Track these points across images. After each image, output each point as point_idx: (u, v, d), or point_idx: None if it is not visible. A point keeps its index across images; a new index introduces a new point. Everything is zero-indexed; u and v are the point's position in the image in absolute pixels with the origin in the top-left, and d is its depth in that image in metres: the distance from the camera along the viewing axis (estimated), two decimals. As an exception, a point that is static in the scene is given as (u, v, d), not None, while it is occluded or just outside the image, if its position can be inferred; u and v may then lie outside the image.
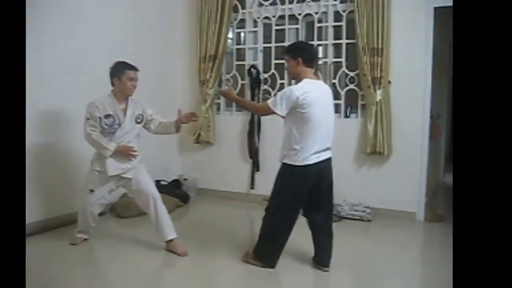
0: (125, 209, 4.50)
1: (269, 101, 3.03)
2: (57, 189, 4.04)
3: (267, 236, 3.19)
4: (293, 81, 3.30)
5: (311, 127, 2.95)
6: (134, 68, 3.40)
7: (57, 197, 4.04)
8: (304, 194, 3.09)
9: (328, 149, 3.11)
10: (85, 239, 3.65)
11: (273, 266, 3.19)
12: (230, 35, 5.41)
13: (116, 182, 3.50)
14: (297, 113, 2.94)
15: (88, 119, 3.34)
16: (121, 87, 3.37)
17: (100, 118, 3.34)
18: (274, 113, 3.00)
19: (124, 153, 3.40)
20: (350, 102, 4.83)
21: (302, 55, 3.05)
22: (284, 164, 3.09)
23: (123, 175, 3.45)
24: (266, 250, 3.20)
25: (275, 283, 3.09)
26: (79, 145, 3.66)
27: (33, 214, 3.72)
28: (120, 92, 3.39)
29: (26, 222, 3.63)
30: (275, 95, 3.22)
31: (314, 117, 2.94)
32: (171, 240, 3.46)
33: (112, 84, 3.40)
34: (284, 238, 3.16)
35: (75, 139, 3.84)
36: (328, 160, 3.13)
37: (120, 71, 3.35)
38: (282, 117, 3.02)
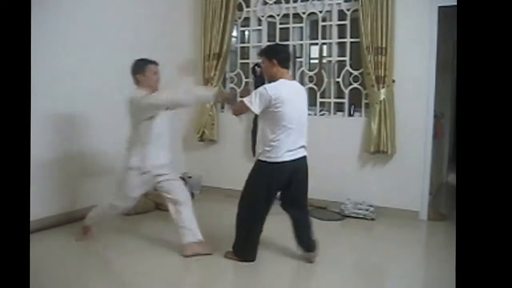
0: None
1: (245, 99, 3.10)
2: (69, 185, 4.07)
3: (242, 231, 3.27)
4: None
5: (284, 125, 3.03)
6: (155, 63, 3.44)
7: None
8: (275, 190, 3.21)
9: (302, 147, 3.18)
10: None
11: (252, 259, 3.27)
12: (234, 33, 5.43)
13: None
14: (270, 111, 3.03)
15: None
16: (147, 81, 3.36)
17: None
18: (249, 110, 3.08)
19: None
20: (354, 101, 4.84)
21: (278, 56, 3.15)
22: (258, 160, 3.18)
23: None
24: (243, 245, 3.29)
25: (279, 277, 3.11)
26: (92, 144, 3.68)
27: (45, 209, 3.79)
28: (148, 86, 3.35)
29: (39, 217, 3.73)
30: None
31: (287, 116, 3.02)
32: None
33: (136, 81, 3.40)
34: (258, 231, 3.27)
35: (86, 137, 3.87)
36: (303, 158, 3.20)
37: (143, 67, 3.37)
38: (256, 115, 3.12)
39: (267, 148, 3.08)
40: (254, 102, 3.02)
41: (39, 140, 3.67)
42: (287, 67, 3.21)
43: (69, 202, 4.15)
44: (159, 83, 3.42)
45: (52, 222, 3.94)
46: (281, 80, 3.11)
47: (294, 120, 3.06)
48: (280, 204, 3.36)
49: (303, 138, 3.18)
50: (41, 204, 3.78)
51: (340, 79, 4.83)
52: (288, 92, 3.06)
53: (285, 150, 3.06)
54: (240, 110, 3.20)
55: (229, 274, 3.25)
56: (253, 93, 3.09)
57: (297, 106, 3.13)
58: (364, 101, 4.71)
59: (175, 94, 3.25)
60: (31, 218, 3.66)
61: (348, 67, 4.79)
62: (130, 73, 3.40)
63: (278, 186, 3.18)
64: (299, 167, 3.18)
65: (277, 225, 3.41)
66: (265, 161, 3.11)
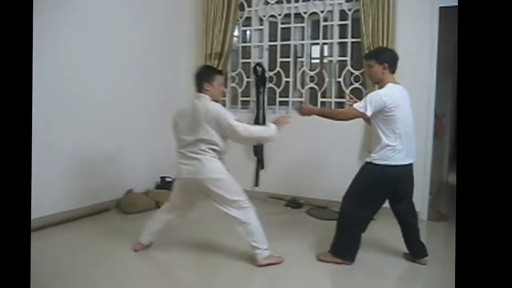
0: (130, 205, 4.53)
1: (356, 105, 3.13)
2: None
3: (348, 232, 3.29)
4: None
5: (397, 128, 3.08)
6: (222, 73, 3.39)
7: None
8: (387, 193, 3.26)
9: (411, 151, 3.22)
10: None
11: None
12: (236, 33, 5.44)
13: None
14: (383, 116, 3.08)
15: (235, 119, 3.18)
16: (213, 92, 3.24)
17: None
18: (361, 116, 3.12)
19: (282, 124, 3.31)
20: (354, 101, 4.84)
21: (388, 60, 3.19)
22: (372, 163, 3.19)
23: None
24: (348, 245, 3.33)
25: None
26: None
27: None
28: (212, 97, 3.23)
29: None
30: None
31: (399, 120, 3.08)
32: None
33: (201, 89, 3.23)
34: (361, 232, 3.32)
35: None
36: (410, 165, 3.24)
37: (212, 77, 3.25)
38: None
39: (383, 151, 3.12)
40: (367, 107, 3.05)
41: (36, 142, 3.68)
42: (394, 72, 3.25)
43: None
44: (222, 94, 3.38)
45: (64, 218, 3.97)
46: (390, 85, 3.15)
47: (405, 125, 3.12)
48: (391, 207, 3.39)
49: (413, 143, 3.23)
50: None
51: (341, 79, 4.85)
52: (399, 97, 3.12)
53: (402, 154, 3.12)
54: (352, 116, 3.19)
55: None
56: (365, 98, 3.11)
57: (407, 110, 3.18)
58: (365, 101, 4.71)
59: (263, 131, 3.26)
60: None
61: (349, 67, 4.80)
62: (195, 78, 3.26)
63: (390, 189, 3.22)
64: (408, 173, 3.25)
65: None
66: (379, 164, 3.13)
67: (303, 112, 3.37)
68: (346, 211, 3.28)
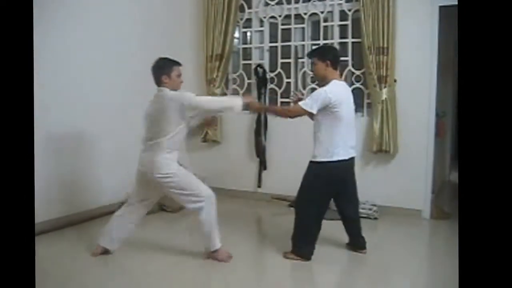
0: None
1: (301, 103, 3.20)
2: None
3: (303, 231, 3.34)
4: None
5: (339, 125, 3.18)
6: (179, 64, 3.34)
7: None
8: (334, 188, 3.32)
9: (352, 147, 3.33)
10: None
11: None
12: (236, 34, 5.45)
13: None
14: (327, 112, 3.14)
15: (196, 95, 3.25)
16: (172, 84, 3.23)
17: None
18: (307, 113, 3.20)
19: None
20: (356, 101, 4.85)
21: (330, 58, 3.26)
22: (314, 162, 3.27)
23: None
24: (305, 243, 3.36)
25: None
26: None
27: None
28: (171, 89, 3.22)
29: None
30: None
31: (342, 116, 3.17)
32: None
33: (159, 82, 3.22)
34: (318, 230, 3.36)
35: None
36: (353, 158, 3.36)
37: (169, 68, 3.23)
38: (313, 115, 3.21)
39: (324, 149, 3.21)
40: (311, 104, 3.13)
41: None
42: (337, 68, 3.33)
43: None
44: (181, 86, 3.34)
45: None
46: (334, 81, 3.22)
47: (347, 119, 3.23)
48: (335, 202, 3.50)
49: (353, 138, 3.35)
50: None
51: (342, 79, 4.85)
52: (342, 93, 3.22)
53: (341, 150, 3.21)
54: (298, 114, 3.28)
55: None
56: (310, 96, 3.22)
57: (350, 106, 3.30)
58: (366, 101, 4.73)
59: (216, 101, 3.36)
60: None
61: (350, 67, 4.81)
62: (152, 71, 3.25)
63: (336, 184, 3.30)
64: (351, 166, 3.37)
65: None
66: (322, 161, 3.21)
67: (251, 109, 3.56)
68: (298, 211, 3.36)
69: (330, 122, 3.17)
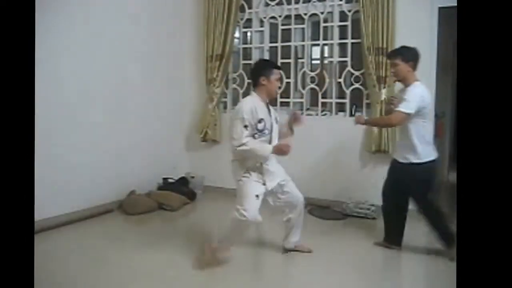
0: (132, 206, 4.56)
1: (401, 108, 3.17)
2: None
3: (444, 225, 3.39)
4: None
5: (428, 125, 3.33)
6: (280, 68, 3.24)
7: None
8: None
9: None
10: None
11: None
12: (236, 34, 5.47)
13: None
14: (421, 114, 3.22)
15: (245, 126, 3.01)
16: (270, 88, 3.11)
17: (254, 123, 3.06)
18: (407, 118, 3.20)
19: (281, 152, 3.11)
20: (355, 101, 4.88)
21: (414, 59, 3.29)
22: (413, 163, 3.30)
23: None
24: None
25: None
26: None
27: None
28: (268, 93, 3.13)
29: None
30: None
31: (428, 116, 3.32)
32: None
33: (257, 83, 3.12)
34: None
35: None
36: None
37: (269, 71, 3.10)
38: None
39: (429, 148, 3.30)
40: (411, 107, 3.16)
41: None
42: (415, 70, 3.34)
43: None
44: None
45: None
46: (418, 83, 3.28)
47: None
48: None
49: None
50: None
51: (341, 80, 4.88)
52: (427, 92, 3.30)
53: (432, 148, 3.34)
54: (402, 121, 3.24)
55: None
56: (407, 99, 3.18)
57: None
58: (365, 101, 4.75)
59: (254, 145, 3.06)
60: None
61: (349, 68, 4.83)
62: (252, 72, 3.19)
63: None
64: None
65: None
66: (428, 161, 3.28)
67: (357, 122, 3.58)
68: (431, 212, 3.41)
69: (423, 122, 3.26)
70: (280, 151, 3.09)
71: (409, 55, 3.28)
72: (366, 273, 3.25)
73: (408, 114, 3.16)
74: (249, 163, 3.16)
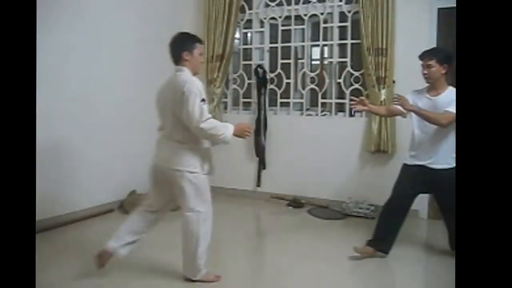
0: (133, 206, 4.57)
1: (453, 109, 2.98)
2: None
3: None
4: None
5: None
6: (201, 41, 2.91)
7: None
8: None
9: None
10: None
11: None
12: (237, 35, 5.49)
13: None
14: None
15: (203, 100, 2.66)
16: (194, 63, 2.82)
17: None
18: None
19: (243, 134, 2.82)
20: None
21: (449, 62, 3.12)
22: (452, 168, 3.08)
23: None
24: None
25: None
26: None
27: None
28: (192, 69, 2.82)
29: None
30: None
31: None
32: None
33: (179, 59, 2.81)
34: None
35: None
36: None
37: (191, 44, 2.82)
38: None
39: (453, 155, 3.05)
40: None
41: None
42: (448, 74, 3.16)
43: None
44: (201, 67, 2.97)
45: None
46: (451, 88, 3.16)
47: None
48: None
49: None
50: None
51: (341, 80, 4.90)
52: None
53: None
54: (452, 121, 3.01)
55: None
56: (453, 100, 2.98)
57: None
58: (365, 102, 4.76)
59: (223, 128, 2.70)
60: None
61: (349, 68, 4.85)
62: (173, 47, 2.85)
63: None
64: None
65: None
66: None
67: (399, 102, 3.26)
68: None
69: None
70: (242, 132, 2.80)
71: (446, 57, 3.14)
72: (366, 272, 3.27)
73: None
74: (202, 150, 2.82)
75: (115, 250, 2.95)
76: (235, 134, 2.76)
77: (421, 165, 3.25)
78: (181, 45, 2.81)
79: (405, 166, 3.39)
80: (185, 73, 2.78)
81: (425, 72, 3.20)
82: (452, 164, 3.08)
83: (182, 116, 2.67)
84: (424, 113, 3.16)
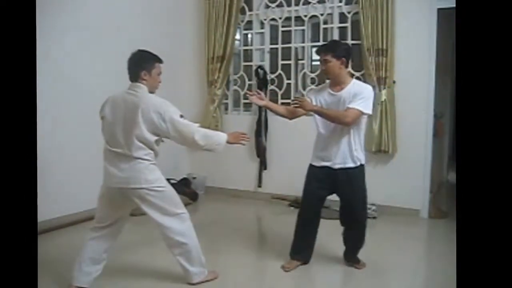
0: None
1: (361, 107, 2.91)
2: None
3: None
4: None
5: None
6: (161, 61, 2.84)
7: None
8: None
9: None
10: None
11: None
12: (237, 36, 5.51)
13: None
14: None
15: (181, 116, 2.74)
16: (151, 84, 2.78)
17: None
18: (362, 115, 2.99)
19: (238, 141, 2.90)
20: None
21: (346, 55, 2.99)
22: (361, 165, 3.11)
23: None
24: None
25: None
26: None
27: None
28: (150, 88, 2.77)
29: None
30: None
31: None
32: None
33: (137, 77, 2.75)
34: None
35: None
36: None
37: (150, 64, 2.76)
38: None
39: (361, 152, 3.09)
40: (369, 106, 2.98)
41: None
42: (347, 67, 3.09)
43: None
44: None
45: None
46: (355, 80, 3.11)
47: None
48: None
49: None
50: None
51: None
52: None
53: None
54: (356, 119, 2.96)
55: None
56: (364, 97, 2.94)
57: None
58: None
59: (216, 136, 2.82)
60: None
61: (349, 69, 4.85)
62: (131, 65, 2.77)
63: None
64: None
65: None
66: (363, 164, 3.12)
67: (297, 104, 3.03)
68: (363, 218, 3.24)
69: (363, 124, 3.11)
70: (238, 139, 2.88)
71: (342, 51, 2.98)
72: (366, 272, 3.29)
73: (367, 115, 3.03)
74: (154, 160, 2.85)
75: (83, 283, 2.86)
76: (231, 142, 2.81)
77: (327, 166, 3.12)
78: (140, 64, 2.74)
79: (312, 167, 3.24)
80: (143, 91, 2.72)
81: (323, 68, 3.03)
82: (357, 163, 3.05)
83: (170, 137, 2.72)
84: (326, 113, 2.98)
